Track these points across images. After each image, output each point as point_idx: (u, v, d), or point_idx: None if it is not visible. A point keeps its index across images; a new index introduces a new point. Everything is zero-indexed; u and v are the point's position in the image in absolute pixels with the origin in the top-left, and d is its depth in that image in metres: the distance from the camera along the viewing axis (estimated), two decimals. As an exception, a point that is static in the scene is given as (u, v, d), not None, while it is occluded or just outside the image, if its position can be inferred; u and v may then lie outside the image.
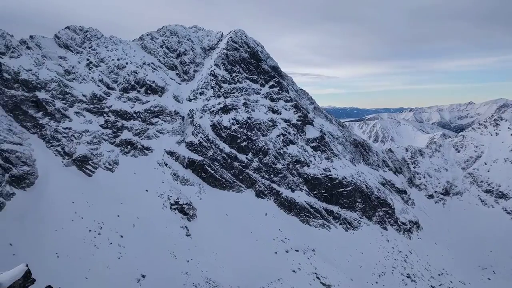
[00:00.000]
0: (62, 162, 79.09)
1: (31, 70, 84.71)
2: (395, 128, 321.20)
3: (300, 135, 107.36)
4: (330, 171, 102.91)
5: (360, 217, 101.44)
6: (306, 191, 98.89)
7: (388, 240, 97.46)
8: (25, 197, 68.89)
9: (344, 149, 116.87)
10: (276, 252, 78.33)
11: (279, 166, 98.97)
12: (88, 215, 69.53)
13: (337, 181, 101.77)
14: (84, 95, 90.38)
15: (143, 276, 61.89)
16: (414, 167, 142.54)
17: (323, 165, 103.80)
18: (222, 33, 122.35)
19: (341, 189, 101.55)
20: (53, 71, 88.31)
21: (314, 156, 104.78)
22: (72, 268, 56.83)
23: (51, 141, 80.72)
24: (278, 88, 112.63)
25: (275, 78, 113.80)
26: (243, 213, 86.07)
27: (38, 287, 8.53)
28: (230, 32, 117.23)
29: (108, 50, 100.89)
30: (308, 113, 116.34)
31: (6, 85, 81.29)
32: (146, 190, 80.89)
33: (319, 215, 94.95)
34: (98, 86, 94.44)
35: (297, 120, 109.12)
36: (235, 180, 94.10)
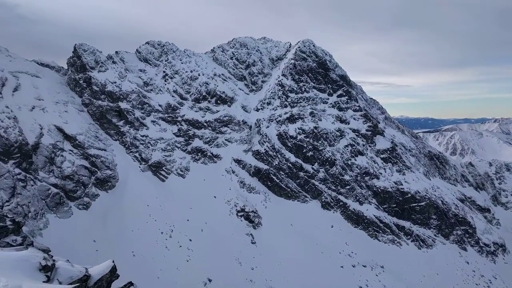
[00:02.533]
0: (139, 167, 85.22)
1: (115, 83, 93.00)
2: (476, 140, 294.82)
3: (369, 146, 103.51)
4: (401, 184, 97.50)
5: (435, 235, 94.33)
6: (375, 204, 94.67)
7: (468, 262, 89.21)
8: (107, 198, 75.31)
9: (418, 162, 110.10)
10: (342, 266, 75.87)
11: (346, 177, 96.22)
12: (161, 218, 73.80)
13: (409, 195, 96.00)
14: (160, 105, 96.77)
15: (210, 280, 63.81)
16: (500, 183, 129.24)
17: (394, 178, 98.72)
18: (290, 44, 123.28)
19: (414, 204, 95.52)
20: (134, 83, 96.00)
21: (384, 168, 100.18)
22: (145, 267, 60.55)
23: (130, 148, 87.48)
24: (346, 97, 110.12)
25: (344, 87, 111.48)
26: (308, 224, 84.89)
27: (120, 282, 9.20)
28: (298, 42, 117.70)
29: (182, 63, 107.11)
30: (378, 123, 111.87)
31: (95, 96, 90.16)
32: (214, 197, 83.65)
33: (389, 230, 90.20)
34: (173, 96, 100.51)
35: (367, 130, 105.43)
36: (301, 190, 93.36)
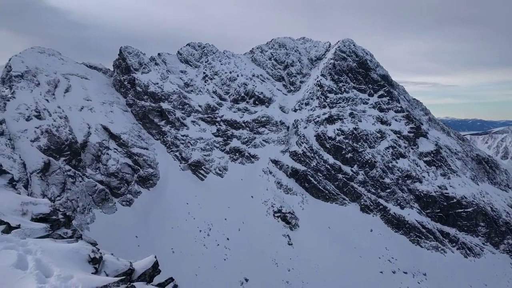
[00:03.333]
0: (180, 166, 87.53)
1: (157, 84, 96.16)
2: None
3: (411, 148, 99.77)
4: (446, 189, 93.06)
5: (484, 244, 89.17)
6: (418, 209, 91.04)
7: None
8: (149, 195, 78.06)
9: (464, 166, 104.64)
10: (381, 272, 73.68)
11: (387, 180, 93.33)
12: (200, 216, 75.37)
13: (454, 200, 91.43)
14: (199, 106, 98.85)
15: (246, 280, 64.29)
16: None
17: (438, 182, 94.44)
18: (330, 43, 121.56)
19: (460, 210, 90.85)
20: (175, 84, 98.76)
21: (427, 172, 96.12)
22: (184, 264, 62.05)
23: (171, 147, 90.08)
24: (388, 97, 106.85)
25: (385, 88, 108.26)
26: (347, 227, 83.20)
27: (161, 277, 9.48)
28: (338, 42, 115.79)
29: (222, 64, 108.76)
30: (422, 124, 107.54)
31: (138, 97, 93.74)
32: (252, 196, 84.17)
33: (432, 237, 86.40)
34: (212, 97, 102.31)
35: (409, 132, 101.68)
36: (339, 193, 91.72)
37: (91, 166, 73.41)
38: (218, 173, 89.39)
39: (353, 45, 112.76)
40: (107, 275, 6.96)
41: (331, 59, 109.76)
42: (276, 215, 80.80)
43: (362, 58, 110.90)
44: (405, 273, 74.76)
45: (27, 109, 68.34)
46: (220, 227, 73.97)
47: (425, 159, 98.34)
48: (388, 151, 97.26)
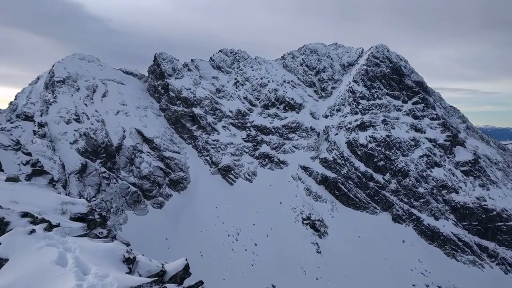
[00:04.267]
0: (210, 170, 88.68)
1: (190, 89, 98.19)
2: None
3: (447, 157, 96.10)
4: (485, 201, 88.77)
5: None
6: (453, 220, 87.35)
7: None
8: (179, 198, 79.51)
9: (505, 177, 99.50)
10: (414, 285, 71.09)
11: (421, 190, 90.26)
12: (228, 220, 75.87)
13: (494, 213, 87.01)
14: (230, 111, 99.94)
15: (273, 286, 63.89)
16: None
17: (476, 193, 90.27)
18: (363, 49, 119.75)
19: (500, 223, 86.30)
20: (207, 90, 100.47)
21: (464, 182, 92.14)
22: (212, 267, 62.52)
23: (202, 151, 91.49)
24: (422, 104, 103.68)
25: (420, 94, 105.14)
26: (378, 237, 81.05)
27: (191, 280, 9.62)
28: (371, 47, 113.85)
29: (253, 70, 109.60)
30: (459, 132, 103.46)
31: (171, 102, 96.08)
32: (280, 203, 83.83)
33: (469, 250, 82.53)
34: (243, 103, 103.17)
35: (445, 140, 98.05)
36: (370, 201, 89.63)
37: (125, 168, 75.76)
38: (247, 178, 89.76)
39: (387, 50, 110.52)
40: (140, 275, 7.18)
41: (363, 65, 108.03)
42: (305, 222, 79.99)
43: (396, 64, 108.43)
44: (439, 287, 71.79)
45: (67, 113, 71.63)
46: (248, 232, 74.10)
47: (462, 168, 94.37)
48: (423, 160, 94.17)
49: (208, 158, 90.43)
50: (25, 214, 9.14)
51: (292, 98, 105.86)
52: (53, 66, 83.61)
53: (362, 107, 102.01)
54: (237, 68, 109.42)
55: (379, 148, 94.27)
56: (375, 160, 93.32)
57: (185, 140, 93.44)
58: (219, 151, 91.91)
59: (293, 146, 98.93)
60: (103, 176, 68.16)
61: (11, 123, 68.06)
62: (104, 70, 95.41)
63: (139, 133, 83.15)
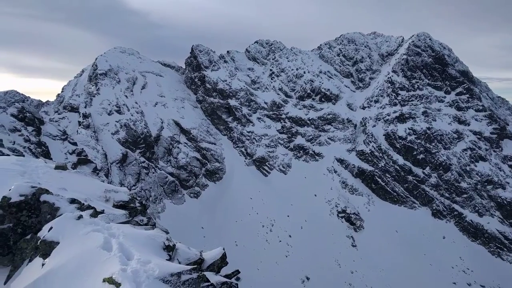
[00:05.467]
0: (245, 161, 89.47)
1: (226, 81, 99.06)
2: None
3: (494, 151, 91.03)
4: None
5: None
6: (499, 218, 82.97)
7: None
8: (215, 189, 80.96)
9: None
10: (455, 283, 68.56)
11: (463, 185, 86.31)
12: (263, 211, 76.41)
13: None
14: (265, 103, 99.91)
15: (308, 278, 63.89)
16: None
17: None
18: (403, 38, 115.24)
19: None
20: (242, 81, 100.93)
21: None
22: (246, 257, 63.40)
23: (237, 143, 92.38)
24: (467, 95, 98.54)
25: (464, 84, 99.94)
26: (416, 232, 78.63)
27: (227, 269, 9.80)
28: (412, 36, 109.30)
29: (288, 61, 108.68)
30: (507, 125, 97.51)
31: (207, 94, 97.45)
32: (315, 195, 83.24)
33: (515, 249, 78.23)
34: (278, 94, 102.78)
35: (491, 133, 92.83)
36: (408, 195, 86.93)
37: (163, 158, 78.04)
38: (282, 170, 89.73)
39: (429, 39, 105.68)
40: (179, 262, 7.41)
41: (403, 54, 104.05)
42: (340, 215, 79.05)
43: (438, 53, 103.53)
44: (483, 286, 68.78)
45: (109, 104, 74.60)
46: (282, 224, 74.32)
47: (510, 163, 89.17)
48: (466, 153, 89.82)
49: (243, 149, 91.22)
50: (73, 201, 9.66)
51: (329, 89, 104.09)
52: (96, 60, 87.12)
53: (402, 98, 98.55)
54: (273, 59, 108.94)
55: (419, 141, 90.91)
56: (415, 153, 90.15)
57: (221, 131, 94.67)
58: (253, 143, 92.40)
59: (328, 138, 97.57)
60: (142, 165, 70.62)
61: (59, 114, 71.93)
62: (144, 62, 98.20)
63: (177, 124, 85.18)
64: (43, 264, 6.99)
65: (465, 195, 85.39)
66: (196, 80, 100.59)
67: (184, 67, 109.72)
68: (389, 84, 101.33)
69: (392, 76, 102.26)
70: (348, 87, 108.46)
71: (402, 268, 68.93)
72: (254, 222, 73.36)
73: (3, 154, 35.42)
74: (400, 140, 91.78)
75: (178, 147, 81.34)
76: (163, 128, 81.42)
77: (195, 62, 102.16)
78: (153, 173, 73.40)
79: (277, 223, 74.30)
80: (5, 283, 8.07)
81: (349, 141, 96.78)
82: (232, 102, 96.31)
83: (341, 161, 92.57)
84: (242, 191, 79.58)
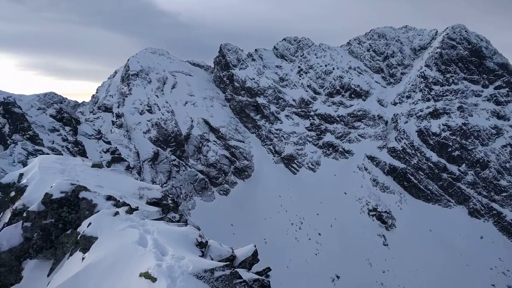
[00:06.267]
0: (273, 159, 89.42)
1: (254, 79, 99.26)
2: None
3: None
4: None
5: None
6: (542, 217, 78.65)
7: None
8: (244, 186, 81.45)
9: None
10: (493, 285, 65.74)
11: (503, 182, 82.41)
12: (292, 209, 76.16)
13: None
14: (294, 100, 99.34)
15: (338, 277, 63.18)
16: None
17: None
18: (437, 31, 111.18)
19: None
20: (270, 79, 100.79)
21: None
22: (276, 255, 63.42)
23: (265, 140, 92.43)
24: (507, 89, 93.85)
25: (504, 77, 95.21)
26: (451, 231, 75.92)
27: (258, 266, 9.84)
28: (447, 28, 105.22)
29: (317, 57, 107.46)
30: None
31: (236, 92, 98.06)
32: (345, 193, 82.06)
33: (560, 251, 73.95)
34: (306, 91, 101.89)
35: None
36: (443, 194, 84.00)
37: (193, 156, 79.35)
38: (311, 167, 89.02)
39: (465, 31, 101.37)
40: (212, 259, 7.54)
41: (437, 47, 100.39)
42: (371, 213, 77.55)
43: (475, 45, 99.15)
44: (524, 289, 65.58)
45: (140, 104, 76.60)
46: (311, 222, 73.80)
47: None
48: (506, 150, 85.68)
49: (271, 147, 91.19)
50: (109, 197, 10.03)
51: (358, 85, 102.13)
52: (128, 61, 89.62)
53: (435, 93, 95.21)
54: (301, 56, 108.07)
55: (454, 137, 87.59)
56: (449, 150, 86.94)
57: (249, 129, 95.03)
58: (282, 140, 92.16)
59: (359, 135, 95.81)
60: (173, 163, 72.09)
61: (94, 114, 74.61)
62: (173, 62, 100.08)
63: (206, 122, 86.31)
64: (83, 258, 7.31)
65: (504, 194, 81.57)
66: (225, 78, 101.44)
67: (213, 66, 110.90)
68: (422, 79, 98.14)
69: (425, 70, 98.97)
70: (379, 83, 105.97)
71: (436, 268, 66.81)
72: (283, 219, 73.27)
73: (43, 153, 37.20)
74: (434, 137, 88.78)
75: (208, 145, 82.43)
76: (193, 126, 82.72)
77: (224, 61, 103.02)
78: (184, 171, 74.78)
79: (306, 221, 73.87)
80: (48, 275, 8.50)
81: (380, 138, 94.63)
82: (260, 100, 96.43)
83: (371, 158, 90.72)
84: (271, 189, 79.63)
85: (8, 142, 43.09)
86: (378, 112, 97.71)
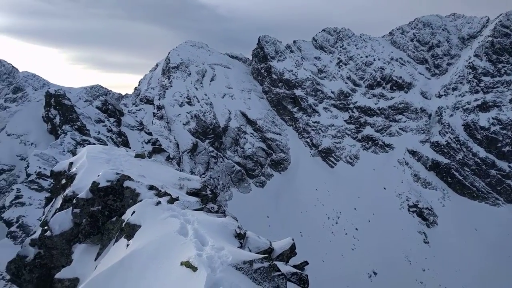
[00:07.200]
0: (310, 152, 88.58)
1: (292, 71, 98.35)
2: None
3: None
4: None
5: None
6: None
7: None
8: (280, 179, 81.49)
9: None
10: (544, 290, 61.74)
11: (559, 181, 76.76)
12: (328, 203, 75.33)
13: None
14: (332, 92, 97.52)
15: (375, 273, 61.98)
16: None
17: None
18: (488, 18, 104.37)
19: None
20: (309, 71, 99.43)
21: None
22: (311, 248, 63.10)
23: (302, 133, 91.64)
24: None
25: None
26: (499, 231, 71.89)
27: (296, 259, 9.81)
28: (500, 15, 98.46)
29: (357, 48, 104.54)
30: None
31: (273, 84, 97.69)
32: (384, 188, 79.92)
33: None
34: (346, 83, 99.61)
35: None
36: (490, 191, 79.57)
37: (230, 148, 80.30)
38: (349, 161, 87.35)
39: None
40: (250, 250, 7.61)
41: (489, 36, 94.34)
42: (411, 209, 75.10)
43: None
44: None
45: (180, 96, 78.37)
46: (348, 216, 72.68)
47: None
48: None
49: (308, 140, 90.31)
50: (151, 187, 10.37)
51: (401, 77, 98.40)
52: (168, 54, 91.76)
53: (485, 85, 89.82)
54: (341, 47, 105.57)
55: (504, 132, 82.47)
56: (499, 145, 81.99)
57: (286, 121, 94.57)
58: (319, 133, 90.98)
59: (400, 128, 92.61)
60: (211, 155, 73.39)
61: (136, 106, 77.33)
62: (212, 55, 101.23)
63: (243, 115, 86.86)
64: (127, 245, 7.63)
65: (560, 193, 76.05)
66: (263, 71, 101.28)
67: (251, 58, 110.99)
68: (470, 70, 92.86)
69: (474, 60, 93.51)
70: (423, 74, 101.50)
71: (481, 269, 63.72)
72: (319, 213, 72.69)
73: (90, 143, 39.18)
74: (482, 131, 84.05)
75: (245, 138, 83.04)
76: (231, 119, 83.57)
77: (262, 53, 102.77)
78: (221, 162, 75.92)
79: (343, 215, 72.85)
80: (95, 259, 8.98)
81: (422, 131, 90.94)
82: (298, 92, 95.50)
83: (413, 152, 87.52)
84: (307, 182, 79.09)
85: (59, 132, 45.70)
86: (421, 105, 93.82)
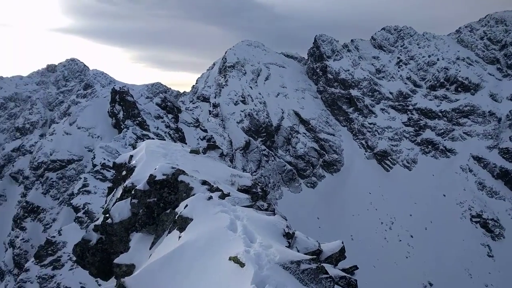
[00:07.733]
0: (365, 154, 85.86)
1: (348, 70, 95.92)
2: None
3: None
4: None
5: None
6: None
7: None
8: (332, 180, 79.98)
9: None
10: None
11: None
12: (382, 207, 72.56)
13: None
14: (390, 93, 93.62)
15: (430, 284, 58.72)
16: None
17: None
18: None
19: None
20: (366, 71, 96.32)
21: None
22: (363, 253, 61.20)
23: (357, 134, 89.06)
24: None
25: None
26: None
27: (345, 263, 9.56)
28: None
29: (419, 47, 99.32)
30: None
31: (328, 84, 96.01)
32: (444, 195, 75.27)
33: None
34: (405, 83, 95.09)
35: None
36: None
37: (282, 147, 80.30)
38: (406, 165, 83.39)
39: None
40: (298, 251, 7.56)
41: None
42: (474, 220, 69.98)
43: None
44: None
45: (235, 95, 79.83)
46: (403, 222, 69.48)
47: None
48: None
49: (363, 141, 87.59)
50: (204, 182, 10.68)
51: (467, 78, 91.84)
52: (225, 53, 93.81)
53: None
54: (401, 46, 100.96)
55: None
56: None
57: (340, 122, 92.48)
58: (375, 135, 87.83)
59: (464, 132, 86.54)
60: (263, 153, 73.96)
61: (193, 103, 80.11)
62: (268, 54, 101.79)
63: (297, 114, 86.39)
64: (179, 237, 7.94)
65: None
66: (318, 70, 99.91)
67: (306, 57, 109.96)
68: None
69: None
70: (493, 75, 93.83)
71: (555, 291, 57.84)
72: (372, 217, 70.29)
73: (149, 138, 41.31)
74: (561, 138, 76.00)
75: (297, 137, 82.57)
76: (283, 118, 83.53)
77: (318, 52, 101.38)
78: (273, 161, 76.21)
79: (397, 221, 69.79)
80: (150, 248, 9.47)
81: (490, 137, 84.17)
82: (354, 92, 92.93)
83: (478, 159, 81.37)
84: (361, 185, 76.77)
85: (122, 126, 48.70)
86: (489, 108, 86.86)
